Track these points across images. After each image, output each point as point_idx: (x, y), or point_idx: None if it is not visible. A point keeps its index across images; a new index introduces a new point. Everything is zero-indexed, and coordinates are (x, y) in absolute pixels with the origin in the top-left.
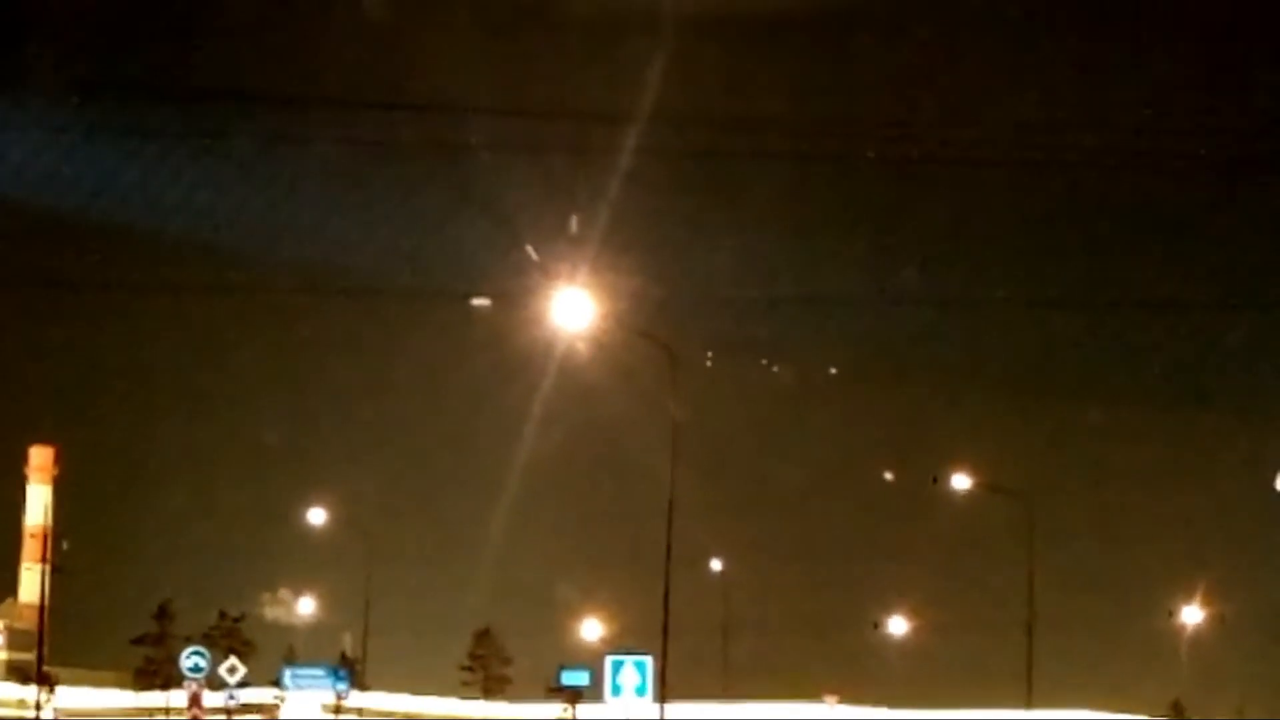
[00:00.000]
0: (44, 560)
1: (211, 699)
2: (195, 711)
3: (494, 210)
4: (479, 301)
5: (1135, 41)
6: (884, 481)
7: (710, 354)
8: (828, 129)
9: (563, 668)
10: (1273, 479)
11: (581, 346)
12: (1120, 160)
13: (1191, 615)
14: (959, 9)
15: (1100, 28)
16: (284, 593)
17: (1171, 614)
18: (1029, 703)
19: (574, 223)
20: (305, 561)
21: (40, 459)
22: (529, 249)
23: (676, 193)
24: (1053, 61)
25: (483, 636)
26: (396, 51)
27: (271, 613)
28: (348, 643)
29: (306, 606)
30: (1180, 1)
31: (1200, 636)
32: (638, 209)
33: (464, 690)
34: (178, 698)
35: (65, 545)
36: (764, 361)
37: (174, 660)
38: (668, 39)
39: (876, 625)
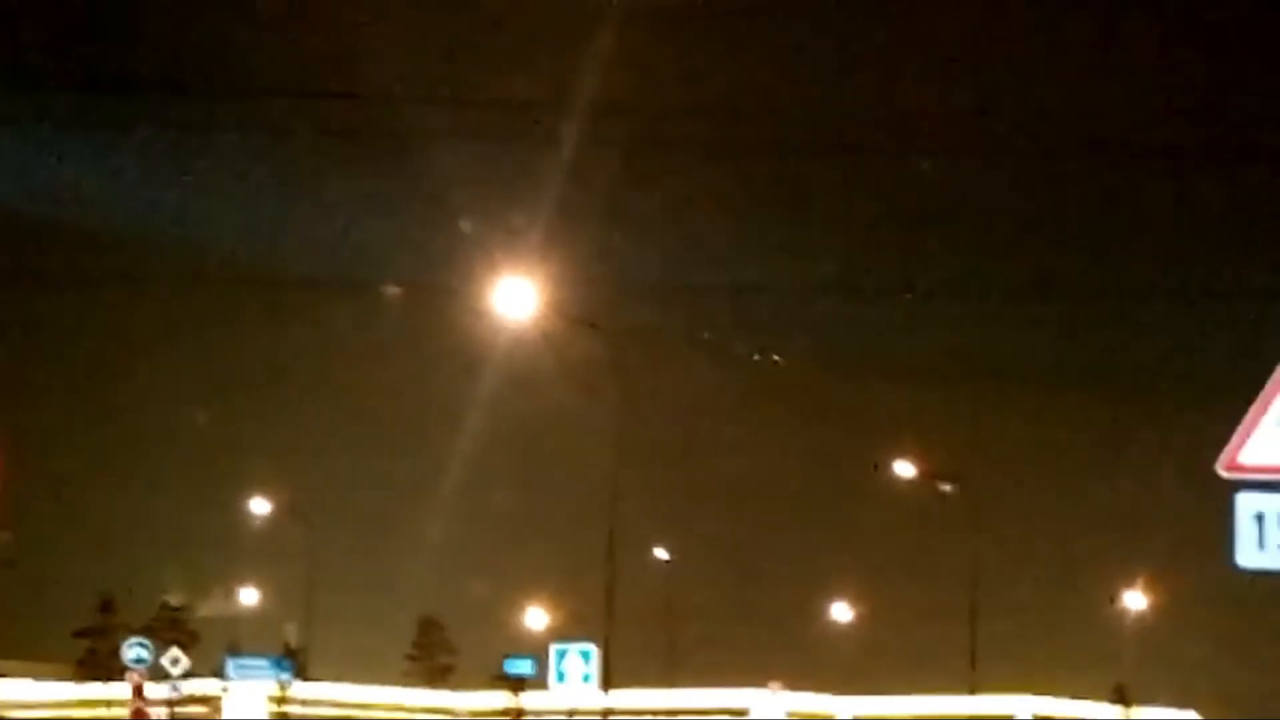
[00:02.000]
0: None
1: (154, 690)
2: (138, 703)
3: (436, 199)
4: (391, 289)
5: (1062, 28)
6: (826, 469)
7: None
8: (771, 117)
9: (507, 656)
10: (1212, 464)
11: (525, 335)
12: (1058, 147)
13: (1134, 601)
14: None
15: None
16: (225, 587)
17: (1113, 600)
18: (973, 688)
19: (468, 232)
20: (248, 552)
21: None
22: (465, 229)
23: (620, 181)
24: (997, 48)
25: (427, 626)
26: (336, 39)
27: (213, 604)
28: (291, 633)
29: (249, 597)
30: None
31: (1143, 622)
32: (581, 198)
33: (408, 679)
34: (120, 689)
35: (6, 537)
36: (708, 350)
37: (117, 652)
38: (615, 27)
39: (820, 613)
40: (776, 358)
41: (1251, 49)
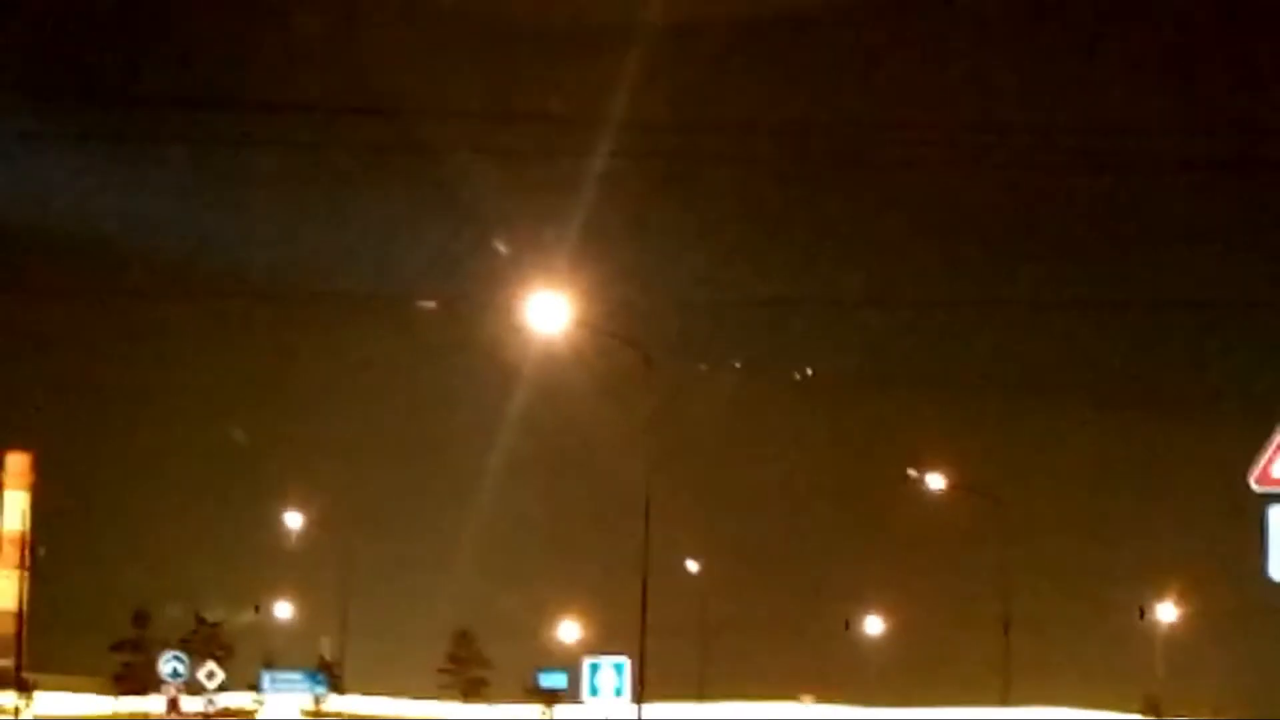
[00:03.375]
0: (21, 566)
1: (190, 704)
2: (174, 716)
3: (470, 214)
4: (425, 304)
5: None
6: (858, 481)
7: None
8: (804, 134)
9: (540, 670)
10: (1244, 477)
11: (557, 350)
12: (1093, 160)
13: (1165, 612)
14: (930, 15)
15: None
16: (257, 602)
17: (1143, 612)
18: (1005, 700)
19: (501, 247)
20: (282, 566)
21: (16, 465)
22: (498, 244)
23: (652, 197)
24: (1020, 65)
25: (461, 639)
26: (373, 56)
27: (249, 618)
28: (326, 647)
29: (284, 611)
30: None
31: (1174, 633)
32: (614, 213)
33: (442, 693)
34: (156, 703)
35: (41, 552)
36: (738, 364)
37: (152, 666)
38: (644, 44)
39: (848, 625)
40: (809, 370)
41: None
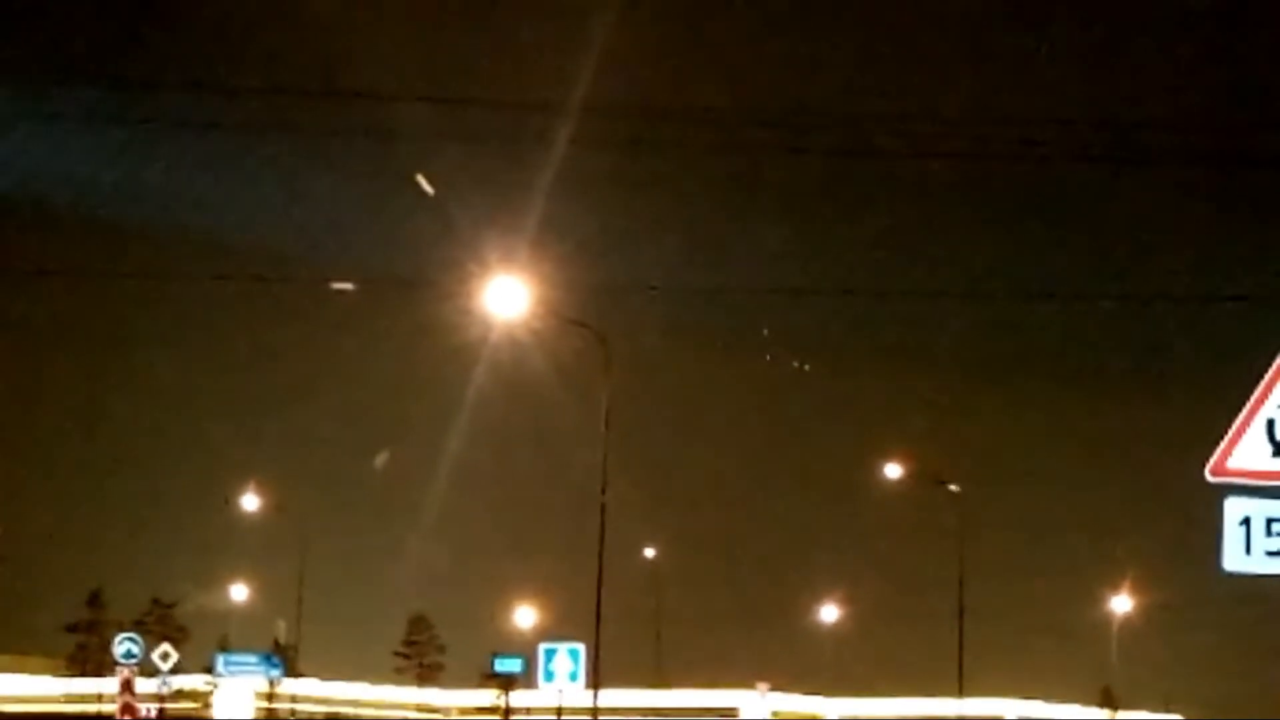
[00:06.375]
0: None
1: (144, 685)
2: (127, 697)
3: (427, 200)
4: (340, 285)
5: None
6: (816, 470)
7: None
8: (760, 119)
9: (496, 655)
10: (1200, 469)
11: (516, 335)
12: (1052, 153)
13: (1120, 604)
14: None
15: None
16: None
17: (1100, 604)
18: (960, 691)
19: (424, 183)
20: (238, 548)
21: None
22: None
23: (610, 182)
24: (990, 55)
25: (417, 623)
26: (329, 40)
27: (204, 599)
28: (281, 629)
29: (240, 593)
30: None
31: (1130, 625)
32: (572, 197)
33: (398, 677)
34: (111, 684)
35: None
36: (699, 350)
37: (107, 647)
38: (603, 28)
39: (806, 615)
40: (807, 366)
41: None
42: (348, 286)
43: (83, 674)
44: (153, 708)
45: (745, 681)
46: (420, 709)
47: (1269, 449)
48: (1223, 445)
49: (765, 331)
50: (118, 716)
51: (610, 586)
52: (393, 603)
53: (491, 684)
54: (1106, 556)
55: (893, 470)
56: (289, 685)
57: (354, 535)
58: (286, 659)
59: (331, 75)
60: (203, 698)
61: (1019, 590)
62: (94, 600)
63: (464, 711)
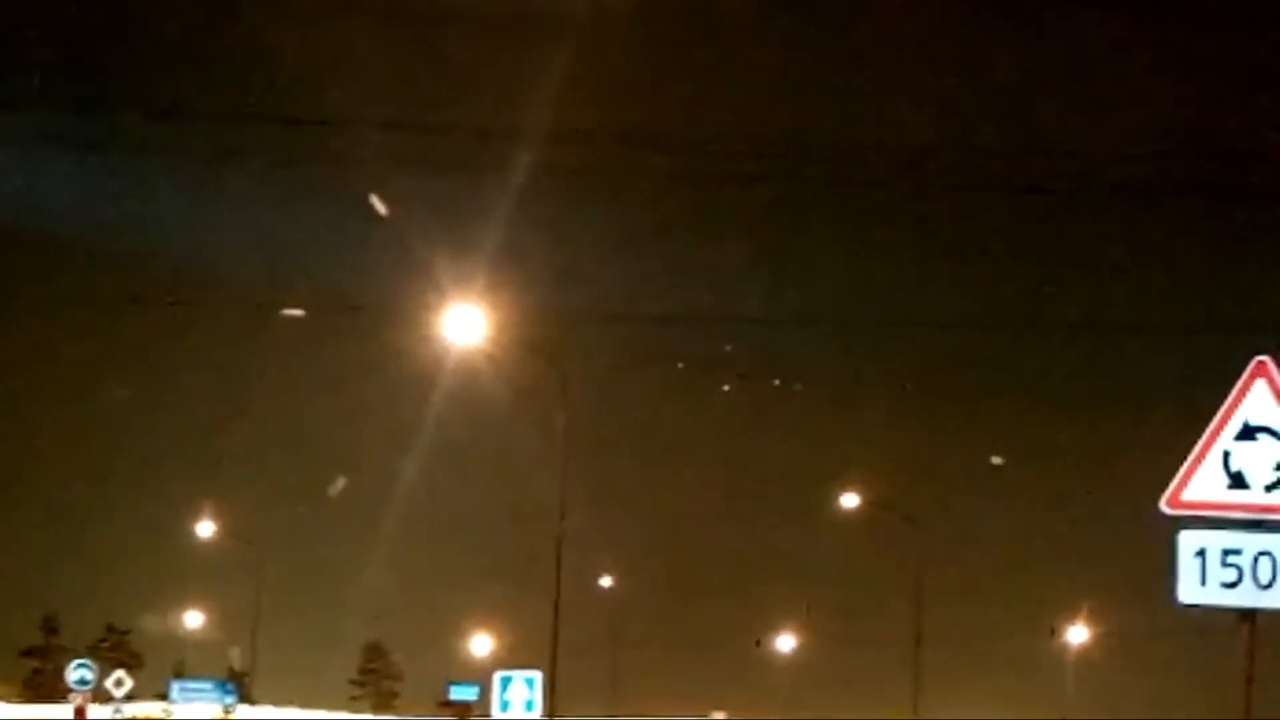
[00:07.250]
0: None
1: (97, 712)
2: None
3: (386, 226)
4: (289, 312)
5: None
6: (773, 498)
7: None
8: (719, 144)
9: (451, 682)
10: (1157, 499)
11: (472, 361)
12: (1015, 180)
13: (1076, 634)
14: (860, 22)
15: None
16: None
17: (1054, 632)
18: (915, 717)
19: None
20: (193, 575)
21: None
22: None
23: (570, 208)
24: (958, 85)
25: (372, 650)
26: (287, 64)
27: (159, 626)
28: (235, 657)
29: (194, 620)
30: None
31: (1085, 654)
32: (530, 224)
33: (353, 704)
34: (65, 710)
35: None
36: (657, 377)
37: (61, 673)
38: (565, 51)
39: (759, 643)
40: (798, 386)
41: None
42: (298, 313)
43: (37, 700)
44: None
45: (702, 709)
46: None
47: (1225, 481)
48: (1178, 477)
49: (728, 348)
50: None
51: (567, 614)
52: (348, 630)
53: (447, 711)
54: (1063, 586)
55: (849, 499)
56: (244, 712)
57: (309, 562)
58: (241, 686)
59: (289, 101)
60: None
61: (974, 619)
62: (48, 626)
63: None
